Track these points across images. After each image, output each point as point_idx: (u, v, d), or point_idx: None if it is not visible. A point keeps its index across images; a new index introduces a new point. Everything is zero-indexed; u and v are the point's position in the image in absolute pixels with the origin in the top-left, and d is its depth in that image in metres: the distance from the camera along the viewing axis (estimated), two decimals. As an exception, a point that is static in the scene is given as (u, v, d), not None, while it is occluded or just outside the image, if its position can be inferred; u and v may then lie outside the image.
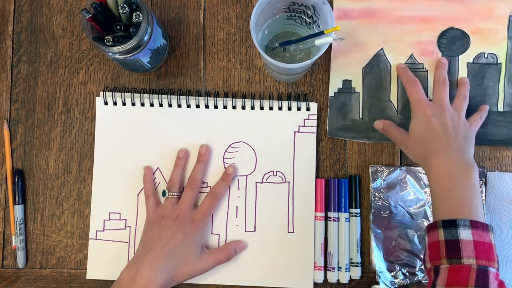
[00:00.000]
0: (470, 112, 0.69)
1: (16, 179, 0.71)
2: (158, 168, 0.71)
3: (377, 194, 0.70)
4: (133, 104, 0.71)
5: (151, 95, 0.72)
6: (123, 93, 0.71)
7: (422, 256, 0.69)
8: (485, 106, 0.70)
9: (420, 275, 0.69)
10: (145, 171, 0.70)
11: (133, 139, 0.71)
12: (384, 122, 0.70)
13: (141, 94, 0.71)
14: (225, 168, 0.71)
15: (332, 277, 0.69)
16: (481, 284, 0.53)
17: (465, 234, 0.55)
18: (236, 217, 0.71)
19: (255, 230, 0.70)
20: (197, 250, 0.67)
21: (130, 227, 0.71)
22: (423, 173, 0.70)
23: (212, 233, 0.71)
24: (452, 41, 0.72)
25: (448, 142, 0.63)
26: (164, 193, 0.69)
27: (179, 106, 0.71)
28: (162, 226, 0.66)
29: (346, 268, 0.69)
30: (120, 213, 0.71)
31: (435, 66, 0.71)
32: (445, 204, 0.59)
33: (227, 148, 0.71)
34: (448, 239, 0.56)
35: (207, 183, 0.71)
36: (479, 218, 0.57)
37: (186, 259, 0.66)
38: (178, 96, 0.71)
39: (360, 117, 0.72)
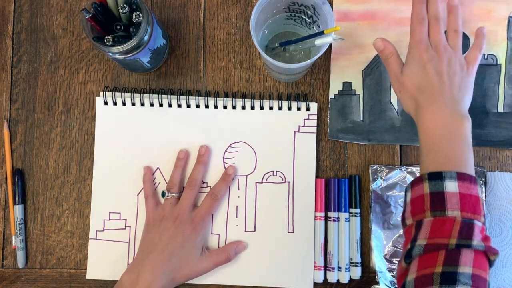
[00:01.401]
0: (471, 112, 0.68)
1: (16, 179, 0.71)
2: (158, 168, 0.71)
3: (377, 194, 0.70)
4: (133, 104, 0.71)
5: (151, 95, 0.72)
6: (123, 93, 0.71)
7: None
8: (481, 30, 0.66)
9: (420, 275, 0.69)
10: (145, 171, 0.70)
11: (133, 139, 0.71)
12: (386, 45, 0.64)
13: (141, 94, 0.72)
14: (225, 168, 0.71)
15: (332, 277, 0.69)
16: (465, 236, 0.51)
17: (451, 186, 0.53)
18: (236, 217, 0.71)
19: (255, 230, 0.70)
20: (197, 252, 0.67)
21: (130, 227, 0.71)
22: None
23: (212, 233, 0.71)
24: (452, 42, 0.72)
25: (441, 91, 0.59)
26: (163, 194, 0.69)
27: (179, 106, 0.72)
28: (161, 227, 0.66)
29: (346, 268, 0.69)
30: (120, 213, 0.71)
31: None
32: (433, 156, 0.56)
33: (227, 148, 0.71)
34: (433, 192, 0.53)
35: (207, 183, 0.71)
36: (468, 170, 0.55)
37: (186, 261, 0.66)
38: (178, 96, 0.72)
39: (361, 119, 0.72)
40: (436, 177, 0.54)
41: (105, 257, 0.70)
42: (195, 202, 0.69)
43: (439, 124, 0.58)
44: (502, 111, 0.71)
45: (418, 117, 0.60)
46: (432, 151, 0.57)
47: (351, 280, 0.70)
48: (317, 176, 0.71)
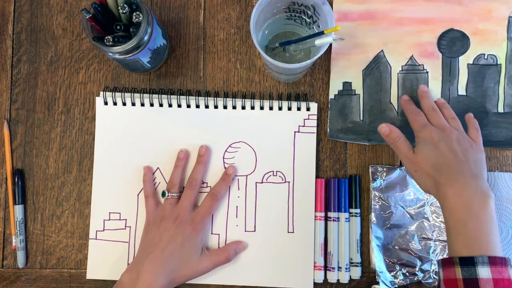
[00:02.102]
0: (471, 112, 0.69)
1: (16, 179, 0.71)
2: (158, 168, 0.71)
3: (377, 194, 0.70)
4: (133, 104, 0.71)
5: (151, 95, 0.72)
6: (123, 93, 0.71)
7: (420, 255, 0.69)
8: (469, 116, 0.68)
9: (420, 275, 0.69)
10: (145, 171, 0.70)
11: (133, 139, 0.71)
12: (392, 129, 0.65)
13: (141, 94, 0.72)
14: (225, 168, 0.71)
15: (332, 277, 0.69)
16: None
17: (483, 272, 0.53)
18: (236, 217, 0.71)
19: (255, 230, 0.70)
20: (197, 252, 0.67)
21: (130, 227, 0.71)
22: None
23: (212, 233, 0.71)
24: (452, 42, 0.72)
25: (460, 169, 0.60)
26: (163, 194, 0.69)
27: (179, 106, 0.72)
28: (161, 227, 0.66)
29: (346, 268, 0.69)
30: (120, 213, 0.71)
31: (419, 96, 0.69)
32: (461, 238, 0.56)
33: (227, 148, 0.71)
34: (466, 277, 0.53)
35: (207, 183, 0.71)
36: (497, 252, 0.55)
37: (186, 261, 0.66)
38: (178, 96, 0.72)
39: (361, 119, 0.72)
40: (468, 262, 0.54)
41: (105, 257, 0.70)
42: (195, 202, 0.69)
43: (464, 205, 0.57)
44: (502, 111, 0.71)
45: (440, 196, 0.60)
46: (460, 233, 0.57)
47: (351, 280, 0.70)
48: (317, 176, 0.71)
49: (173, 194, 0.68)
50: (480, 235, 0.56)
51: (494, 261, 0.54)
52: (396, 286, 0.69)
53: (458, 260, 0.55)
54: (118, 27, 0.63)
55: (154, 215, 0.68)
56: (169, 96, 0.71)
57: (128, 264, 0.70)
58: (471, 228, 0.56)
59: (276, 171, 0.71)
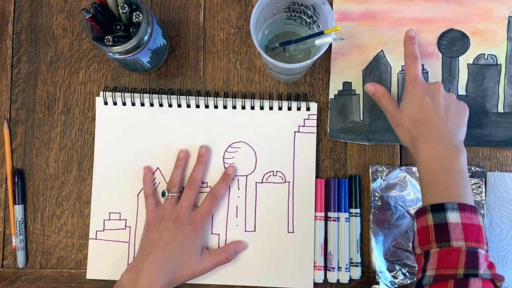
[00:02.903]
0: (471, 112, 0.69)
1: (16, 179, 0.71)
2: (158, 168, 0.71)
3: (377, 194, 0.70)
4: (133, 104, 0.71)
5: (151, 95, 0.72)
6: (123, 93, 0.71)
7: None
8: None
9: (420, 275, 0.69)
10: (145, 171, 0.70)
11: (133, 139, 0.71)
12: (377, 88, 0.68)
13: (141, 94, 0.72)
14: (225, 168, 0.71)
15: (332, 277, 0.69)
16: (471, 265, 0.53)
17: (453, 217, 0.55)
18: (236, 217, 0.71)
19: (255, 230, 0.70)
20: (197, 252, 0.67)
21: (130, 227, 0.71)
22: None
23: (212, 233, 0.71)
24: (452, 42, 0.72)
25: (437, 124, 0.62)
26: (163, 194, 0.69)
27: (179, 106, 0.72)
28: (161, 227, 0.66)
29: (346, 268, 0.69)
30: (120, 213, 0.71)
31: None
32: (433, 188, 0.59)
33: (227, 148, 0.71)
34: (436, 223, 0.56)
35: (207, 183, 0.71)
36: (467, 200, 0.57)
37: (186, 262, 0.66)
38: (178, 96, 0.72)
39: (361, 119, 0.72)
40: (439, 208, 0.57)
41: (105, 257, 0.70)
42: (195, 202, 0.69)
43: (436, 159, 0.60)
44: (502, 111, 0.71)
45: (415, 151, 0.63)
46: (432, 184, 0.59)
47: (351, 280, 0.70)
48: (317, 176, 0.71)
49: (173, 194, 0.68)
50: (451, 184, 0.59)
51: (464, 208, 0.56)
52: (396, 286, 0.69)
53: (429, 207, 0.57)
54: (118, 27, 0.63)
55: (154, 215, 0.68)
56: (169, 96, 0.71)
57: (128, 264, 0.70)
58: (443, 179, 0.59)
59: (276, 171, 0.71)
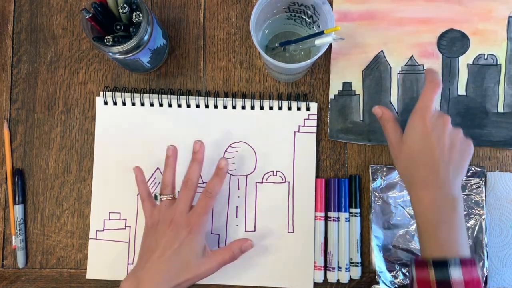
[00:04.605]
0: (471, 112, 0.69)
1: (16, 179, 0.71)
2: (158, 168, 0.71)
3: (377, 194, 0.70)
4: (133, 104, 0.71)
5: (151, 95, 0.72)
6: (123, 93, 0.71)
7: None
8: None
9: (420, 275, 0.69)
10: (135, 172, 0.68)
11: (133, 139, 0.71)
12: (384, 112, 0.65)
13: (141, 94, 0.72)
14: (225, 168, 0.71)
15: (332, 277, 0.69)
16: None
17: (455, 273, 0.55)
18: (236, 217, 0.71)
19: (255, 230, 0.70)
20: (197, 255, 0.63)
21: (130, 227, 0.71)
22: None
23: (212, 233, 0.71)
24: (452, 42, 0.72)
25: (438, 170, 0.59)
26: (156, 197, 0.66)
27: (179, 106, 0.72)
28: (158, 232, 0.64)
29: (346, 268, 0.69)
30: (120, 213, 0.71)
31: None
32: (433, 240, 0.58)
33: (227, 148, 0.71)
34: (439, 280, 0.56)
35: (206, 183, 0.71)
36: (466, 253, 0.57)
37: (186, 266, 0.62)
38: (178, 96, 0.72)
39: (361, 119, 0.72)
40: (441, 264, 0.56)
41: (105, 257, 0.70)
42: (192, 203, 0.66)
43: (434, 208, 0.59)
44: (502, 111, 0.71)
45: (411, 193, 0.61)
46: (432, 236, 0.59)
47: (351, 280, 0.70)
48: (317, 176, 0.71)
49: (167, 196, 0.65)
50: (451, 237, 0.58)
51: (465, 262, 0.56)
52: (396, 286, 0.69)
53: (431, 262, 0.56)
54: (118, 27, 0.63)
55: (151, 219, 0.65)
56: (169, 96, 0.71)
57: (128, 264, 0.70)
58: (442, 231, 0.58)
59: (276, 171, 0.71)
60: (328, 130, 0.72)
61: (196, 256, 0.63)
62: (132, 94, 0.71)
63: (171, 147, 0.67)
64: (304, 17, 0.66)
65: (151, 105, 0.72)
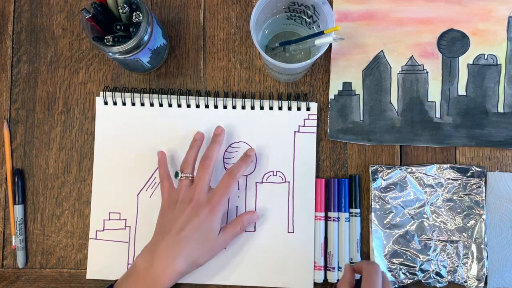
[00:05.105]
0: (471, 112, 0.69)
1: (16, 179, 0.71)
2: (158, 168, 0.71)
3: (377, 194, 0.70)
4: (133, 104, 0.71)
5: (151, 95, 0.72)
6: (123, 93, 0.71)
7: (420, 255, 0.69)
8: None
9: (420, 275, 0.69)
10: (159, 156, 0.70)
11: (133, 139, 0.71)
12: (346, 272, 0.64)
13: (141, 94, 0.72)
14: (225, 168, 0.71)
15: (332, 277, 0.69)
16: None
17: None
18: (236, 217, 0.71)
19: (255, 230, 0.70)
20: (215, 233, 0.65)
21: (130, 227, 0.71)
22: (423, 173, 0.70)
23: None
24: (452, 42, 0.72)
25: None
26: (176, 175, 0.67)
27: (179, 106, 0.72)
28: (177, 209, 0.65)
29: (346, 268, 0.69)
30: (120, 213, 0.71)
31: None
32: None
33: (227, 148, 0.71)
34: None
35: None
36: None
37: (203, 244, 0.64)
38: (178, 96, 0.72)
39: (361, 119, 0.72)
40: None
41: (105, 257, 0.70)
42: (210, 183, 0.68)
43: None
44: (502, 111, 0.71)
45: None
46: None
47: (351, 280, 0.70)
48: (317, 176, 0.71)
49: (187, 175, 0.66)
50: None
51: None
52: (396, 286, 0.69)
53: None
54: (118, 27, 0.63)
55: (169, 198, 0.67)
56: (169, 96, 0.71)
57: (128, 264, 0.70)
58: None
59: (276, 171, 0.71)
60: (328, 130, 0.72)
61: (214, 234, 0.65)
62: (132, 94, 0.71)
63: (200, 131, 0.70)
64: (304, 17, 0.66)
65: (151, 105, 0.72)
